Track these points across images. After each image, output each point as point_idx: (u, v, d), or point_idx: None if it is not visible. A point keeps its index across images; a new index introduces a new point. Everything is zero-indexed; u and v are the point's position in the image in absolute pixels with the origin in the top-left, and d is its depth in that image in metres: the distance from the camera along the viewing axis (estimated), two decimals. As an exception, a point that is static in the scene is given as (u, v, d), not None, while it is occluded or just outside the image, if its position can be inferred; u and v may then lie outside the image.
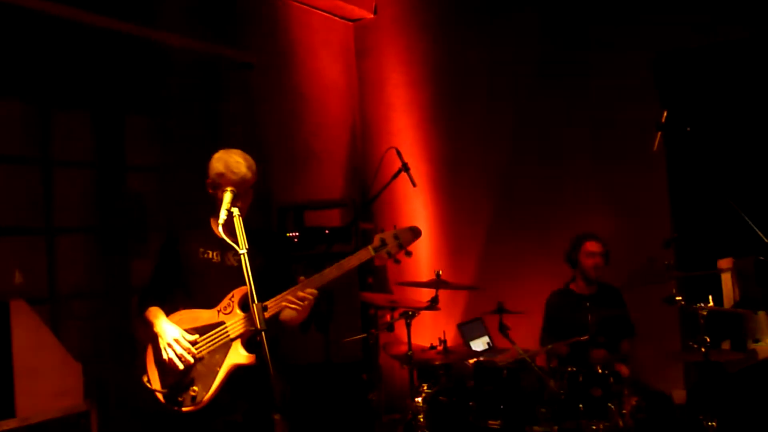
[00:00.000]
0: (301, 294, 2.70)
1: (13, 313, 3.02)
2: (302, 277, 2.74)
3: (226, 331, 2.72)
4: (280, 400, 2.58)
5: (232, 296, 2.74)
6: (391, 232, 2.81)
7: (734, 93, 4.52)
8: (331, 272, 2.75)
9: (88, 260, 4.20)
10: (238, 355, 2.68)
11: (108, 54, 4.18)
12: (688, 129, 3.63)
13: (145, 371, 2.82)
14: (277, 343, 2.81)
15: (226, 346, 2.71)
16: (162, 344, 2.74)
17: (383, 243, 2.78)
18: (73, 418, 3.22)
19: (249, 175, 2.77)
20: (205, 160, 2.82)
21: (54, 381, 3.19)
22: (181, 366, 2.70)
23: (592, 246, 4.33)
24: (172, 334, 2.73)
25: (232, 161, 2.75)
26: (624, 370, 4.06)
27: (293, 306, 2.69)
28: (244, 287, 2.67)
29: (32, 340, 3.09)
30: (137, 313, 2.91)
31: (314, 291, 2.72)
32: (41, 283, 3.94)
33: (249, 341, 2.70)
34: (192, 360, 2.71)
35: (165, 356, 2.71)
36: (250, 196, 2.81)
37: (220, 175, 2.74)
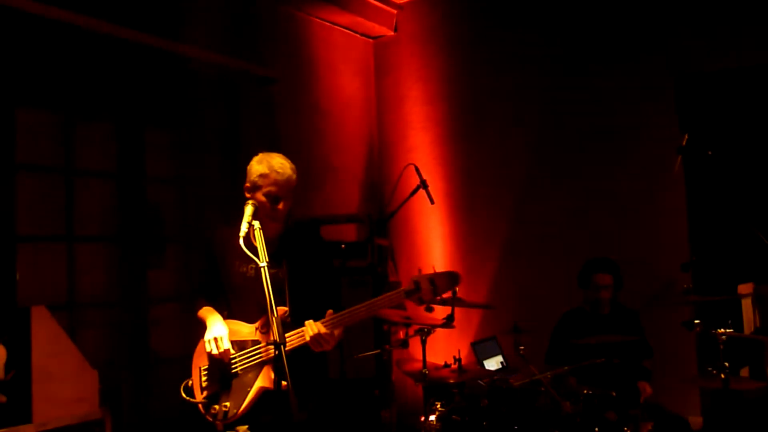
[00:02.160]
0: (323, 333, 2.62)
1: (34, 318, 3.04)
2: (331, 311, 2.66)
3: (260, 353, 2.70)
4: (298, 414, 2.56)
5: (272, 315, 2.71)
6: (427, 276, 2.64)
7: (756, 117, 4.50)
8: (359, 312, 2.66)
9: (107, 269, 4.23)
10: (268, 380, 2.65)
11: (132, 66, 4.24)
12: (710, 153, 3.62)
13: (189, 374, 2.83)
14: (324, 359, 2.81)
15: (259, 367, 2.69)
16: (207, 337, 2.74)
17: (417, 287, 2.63)
18: (89, 425, 3.23)
19: (294, 176, 2.76)
20: (225, 173, 2.84)
21: (71, 387, 3.20)
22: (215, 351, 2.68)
23: (601, 279, 4.28)
24: (218, 332, 2.72)
25: (275, 162, 2.75)
26: (647, 388, 4.00)
27: (318, 344, 2.62)
28: (283, 308, 2.65)
29: (51, 347, 3.11)
30: (194, 311, 2.93)
31: (339, 332, 2.64)
32: (61, 290, 3.98)
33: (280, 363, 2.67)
34: (226, 362, 2.71)
35: (207, 348, 2.72)
36: (290, 200, 2.77)
37: (264, 176, 2.71)
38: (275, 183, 2.70)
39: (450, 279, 2.67)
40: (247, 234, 2.60)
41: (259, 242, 2.56)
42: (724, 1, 4.62)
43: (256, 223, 2.62)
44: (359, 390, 4.72)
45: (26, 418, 2.95)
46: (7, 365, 2.91)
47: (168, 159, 4.66)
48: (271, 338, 2.43)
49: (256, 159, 2.79)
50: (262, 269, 2.48)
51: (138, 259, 4.32)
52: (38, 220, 3.90)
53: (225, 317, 2.84)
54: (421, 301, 2.66)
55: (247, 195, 2.78)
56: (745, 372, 4.10)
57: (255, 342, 2.72)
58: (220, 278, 2.84)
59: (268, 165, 2.74)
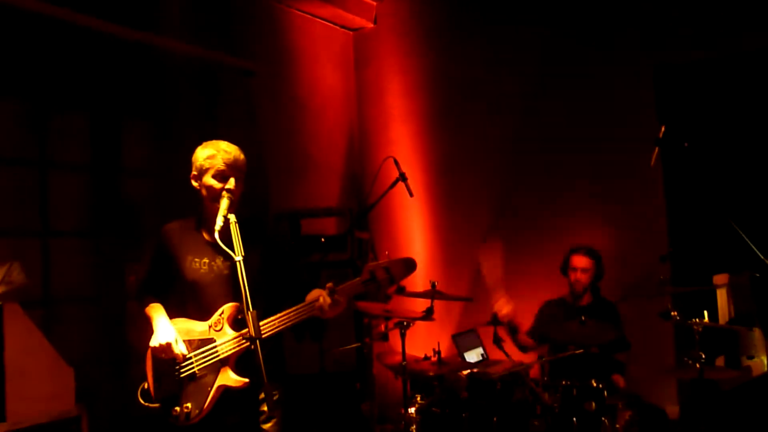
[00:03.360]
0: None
1: (6, 316, 3.00)
2: (330, 283, 2.60)
3: (216, 351, 2.63)
4: (273, 406, 2.53)
5: (222, 312, 2.65)
6: (382, 264, 2.58)
7: (733, 108, 4.53)
8: (341, 293, 2.59)
9: (83, 264, 4.18)
10: (228, 378, 2.60)
11: (107, 57, 4.17)
12: (686, 144, 3.64)
13: (145, 377, 2.77)
14: (280, 350, 2.78)
15: (216, 367, 2.62)
16: (153, 343, 2.68)
17: (372, 277, 2.58)
18: (64, 423, 3.20)
19: (241, 157, 2.67)
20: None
21: (46, 385, 3.16)
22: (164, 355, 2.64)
23: (576, 260, 4.33)
24: (165, 336, 2.67)
25: (221, 143, 2.70)
26: (621, 381, 4.05)
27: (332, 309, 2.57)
28: (234, 303, 2.62)
29: (25, 344, 3.07)
30: (137, 307, 2.85)
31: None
32: (35, 287, 3.92)
33: (241, 359, 2.62)
34: (179, 364, 2.67)
35: (159, 354, 2.67)
36: (241, 189, 2.69)
37: (211, 157, 2.64)
38: (224, 161, 2.64)
39: (405, 266, 2.62)
40: (224, 228, 2.56)
41: (235, 236, 2.52)
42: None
43: (232, 217, 2.58)
44: (339, 383, 4.72)
45: (0, 416, 2.91)
46: (-20, 363, 2.87)
47: (145, 151, 4.60)
48: (247, 333, 2.40)
49: (200, 147, 2.72)
50: (237, 263, 2.44)
51: (115, 254, 4.27)
52: (11, 213, 3.83)
53: (177, 314, 2.77)
54: (378, 290, 2.61)
55: (195, 184, 2.71)
56: (720, 361, 4.15)
57: (209, 340, 2.65)
58: (170, 274, 2.76)
59: (215, 146, 2.68)
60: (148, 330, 2.78)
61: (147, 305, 2.83)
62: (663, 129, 3.70)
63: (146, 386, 2.76)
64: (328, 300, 2.56)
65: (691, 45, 4.68)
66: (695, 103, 4.68)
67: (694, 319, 3.45)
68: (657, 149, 3.82)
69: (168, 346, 2.65)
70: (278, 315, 2.60)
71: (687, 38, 4.68)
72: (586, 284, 4.33)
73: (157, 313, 2.78)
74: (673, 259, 4.39)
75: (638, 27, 4.85)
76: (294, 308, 2.61)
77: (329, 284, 2.59)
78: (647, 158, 3.94)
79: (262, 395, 2.58)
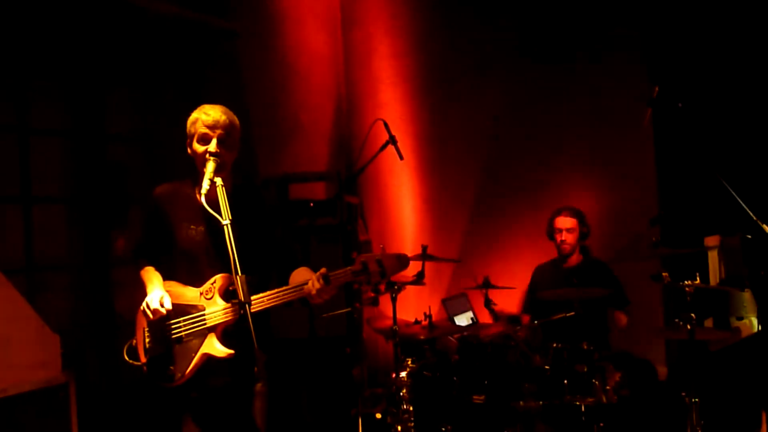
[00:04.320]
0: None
1: (-12, 283, 2.94)
2: (324, 269, 2.56)
3: (204, 320, 2.62)
4: (261, 370, 2.51)
5: (214, 281, 2.62)
6: (375, 256, 2.53)
7: (726, 68, 4.47)
8: (308, 288, 2.54)
9: (67, 231, 4.11)
10: (213, 348, 2.59)
11: (88, 19, 4.05)
12: (680, 105, 3.59)
13: (134, 335, 2.77)
14: (267, 317, 2.75)
15: (202, 334, 2.61)
16: (143, 304, 2.67)
17: (365, 268, 2.53)
18: (51, 390, 3.15)
19: (223, 117, 2.61)
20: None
21: (31, 353, 3.11)
22: (151, 316, 2.63)
23: (559, 221, 4.32)
24: (154, 296, 2.65)
25: (206, 106, 2.66)
26: (623, 318, 4.05)
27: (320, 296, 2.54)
28: (226, 274, 2.59)
29: (8, 311, 3.01)
30: (135, 270, 2.84)
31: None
32: (18, 254, 3.85)
33: (226, 330, 2.60)
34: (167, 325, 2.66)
35: (146, 314, 2.65)
36: (231, 154, 2.65)
37: (195, 120, 2.62)
38: (204, 124, 2.60)
39: (399, 261, 2.57)
40: (209, 191, 2.51)
41: (222, 199, 2.46)
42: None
43: (219, 180, 2.52)
44: (330, 348, 4.71)
45: (-15, 384, 2.87)
46: (-38, 331, 2.81)
47: (129, 116, 4.51)
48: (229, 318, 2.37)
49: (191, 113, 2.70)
50: (225, 227, 2.39)
51: (99, 220, 4.20)
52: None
53: (170, 278, 2.75)
54: (368, 282, 2.56)
55: (189, 152, 2.68)
56: (709, 322, 4.17)
57: (200, 307, 2.63)
58: (163, 238, 2.73)
59: (199, 110, 2.66)
60: (137, 295, 2.75)
61: (141, 268, 2.81)
62: (656, 89, 3.64)
63: (134, 343, 2.75)
64: (318, 285, 2.52)
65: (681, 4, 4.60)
66: (689, 63, 4.61)
67: (685, 281, 3.43)
68: (650, 110, 3.77)
69: (156, 311, 2.63)
70: (267, 293, 2.57)
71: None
72: (573, 244, 4.32)
73: (150, 276, 2.77)
74: (665, 220, 4.38)
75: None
76: (283, 289, 2.57)
77: (322, 270, 2.55)
78: (640, 119, 3.89)
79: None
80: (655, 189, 4.76)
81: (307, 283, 2.54)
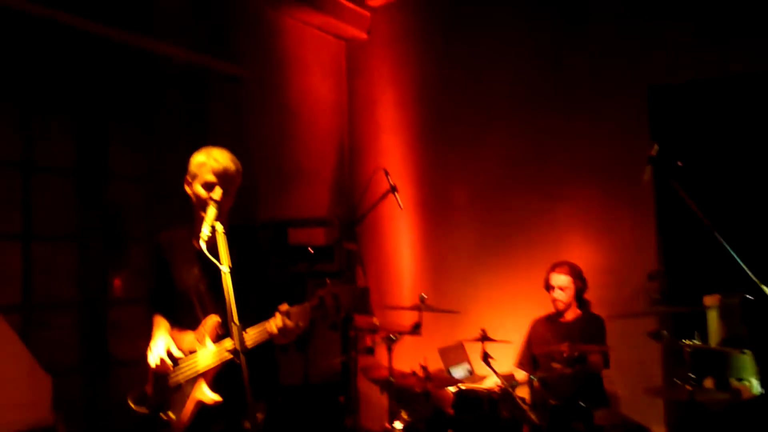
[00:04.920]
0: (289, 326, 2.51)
1: (-18, 321, 2.91)
2: (285, 304, 2.54)
3: (195, 364, 2.60)
4: (254, 419, 2.47)
5: (204, 325, 2.61)
6: (331, 290, 2.51)
7: (727, 128, 4.53)
8: (270, 328, 2.51)
9: (65, 269, 4.09)
10: (202, 393, 2.57)
11: (94, 59, 4.11)
12: (680, 163, 3.62)
13: (131, 389, 2.77)
14: (273, 363, 2.72)
15: (194, 380, 2.60)
16: (149, 351, 2.67)
17: (321, 303, 2.51)
18: (40, 431, 3.10)
19: (232, 167, 2.63)
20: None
21: (22, 392, 3.08)
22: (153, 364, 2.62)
23: (554, 279, 4.29)
24: (156, 343, 2.66)
25: (215, 151, 2.66)
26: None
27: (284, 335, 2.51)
28: (216, 318, 2.58)
29: (1, 350, 2.98)
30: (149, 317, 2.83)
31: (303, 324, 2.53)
32: (15, 291, 3.82)
33: (221, 375, 2.57)
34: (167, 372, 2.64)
35: (149, 362, 2.66)
36: (230, 201, 2.66)
37: (201, 164, 2.61)
38: (213, 171, 2.60)
39: (354, 294, 2.61)
40: (210, 237, 2.50)
41: (222, 246, 2.46)
42: (694, 15, 4.64)
43: (219, 226, 2.52)
44: (323, 396, 4.65)
45: (-28, 424, 2.82)
46: (-47, 369, 2.78)
47: (133, 156, 4.53)
48: (231, 346, 2.34)
49: (196, 153, 2.70)
50: (223, 275, 2.38)
51: (98, 259, 4.19)
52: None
53: (176, 324, 2.75)
54: (324, 318, 2.53)
55: (187, 190, 2.69)
56: (709, 383, 4.12)
57: (193, 353, 2.63)
58: (169, 284, 2.74)
59: (207, 153, 2.65)
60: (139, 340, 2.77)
61: (153, 316, 2.83)
62: (656, 147, 3.68)
63: (146, 391, 2.74)
64: (279, 324, 2.49)
65: (684, 65, 4.68)
66: (688, 123, 4.67)
67: (684, 340, 3.41)
68: (649, 167, 3.80)
69: (154, 353, 2.64)
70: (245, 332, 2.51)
71: (680, 59, 4.67)
72: (567, 302, 4.29)
73: (157, 323, 2.77)
74: (664, 276, 4.37)
75: (633, 45, 4.84)
76: (252, 328, 2.51)
77: (282, 306, 2.52)
78: (639, 176, 3.92)
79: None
80: (655, 245, 4.75)
81: (268, 322, 2.51)
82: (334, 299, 2.50)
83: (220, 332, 2.58)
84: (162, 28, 4.30)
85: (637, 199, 4.73)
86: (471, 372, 4.85)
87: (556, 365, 3.85)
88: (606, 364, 4.15)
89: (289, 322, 2.48)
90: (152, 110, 4.49)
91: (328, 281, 2.56)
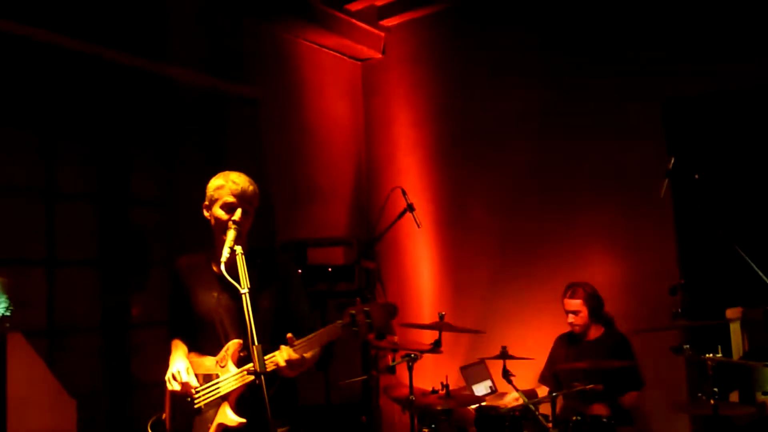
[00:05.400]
0: (294, 359, 2.51)
1: (9, 346, 2.97)
2: (291, 335, 2.54)
3: (218, 387, 2.61)
4: None
5: (227, 349, 2.63)
6: (362, 308, 2.51)
7: (744, 140, 4.50)
8: (303, 347, 2.53)
9: (88, 294, 4.15)
10: (226, 417, 2.56)
11: (114, 86, 4.20)
12: (696, 176, 3.61)
13: (154, 413, 2.78)
14: (293, 384, 2.73)
15: (217, 403, 2.60)
16: (167, 374, 2.68)
17: (353, 320, 2.50)
18: (65, 455, 3.14)
19: (250, 188, 2.66)
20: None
21: (47, 417, 3.12)
22: (176, 387, 2.62)
23: (568, 304, 4.26)
24: (175, 367, 2.66)
25: (233, 174, 2.70)
26: (602, 410, 3.92)
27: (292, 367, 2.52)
28: (238, 341, 2.59)
29: (27, 375, 3.03)
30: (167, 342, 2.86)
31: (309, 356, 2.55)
32: (40, 316, 3.89)
33: (244, 397, 2.58)
34: (188, 396, 2.64)
35: (168, 386, 2.66)
36: (249, 222, 2.69)
37: (220, 187, 2.65)
38: (232, 193, 2.64)
39: (386, 311, 2.55)
40: (229, 259, 2.54)
41: (241, 268, 2.48)
42: (709, 28, 4.64)
43: (239, 248, 2.55)
44: (345, 416, 4.64)
45: (0, 448, 2.86)
46: (-19, 394, 2.83)
47: (153, 181, 4.60)
48: (252, 367, 2.36)
49: (213, 177, 2.74)
50: (243, 296, 2.41)
51: (120, 284, 4.25)
52: (17, 243, 3.82)
53: (194, 349, 2.77)
54: (356, 336, 2.52)
55: (206, 214, 2.72)
56: (734, 397, 4.06)
57: (214, 376, 2.63)
58: (188, 309, 2.76)
59: (225, 177, 2.69)
60: (155, 361, 2.79)
61: (172, 340, 2.85)
62: (672, 160, 3.67)
63: (163, 417, 2.75)
64: (284, 356, 2.49)
65: (700, 78, 4.66)
66: (706, 135, 4.64)
67: (707, 354, 3.37)
68: (667, 180, 3.79)
69: (178, 374, 2.64)
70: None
71: (697, 71, 4.66)
72: (583, 324, 4.26)
73: (175, 347, 2.79)
74: (685, 291, 4.33)
75: (647, 59, 4.84)
76: (266, 357, 2.49)
77: (289, 335, 2.52)
78: (657, 190, 3.90)
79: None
80: (675, 259, 4.72)
81: (274, 357, 2.49)
82: (366, 317, 2.50)
83: (242, 355, 2.59)
84: (180, 54, 4.39)
85: (656, 212, 4.71)
86: (493, 389, 4.82)
87: (577, 383, 3.82)
88: (638, 384, 4.10)
89: (294, 355, 2.50)
90: (172, 135, 4.56)
91: (358, 300, 2.58)
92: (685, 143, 4.62)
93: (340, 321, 2.53)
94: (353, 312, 2.52)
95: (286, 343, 2.55)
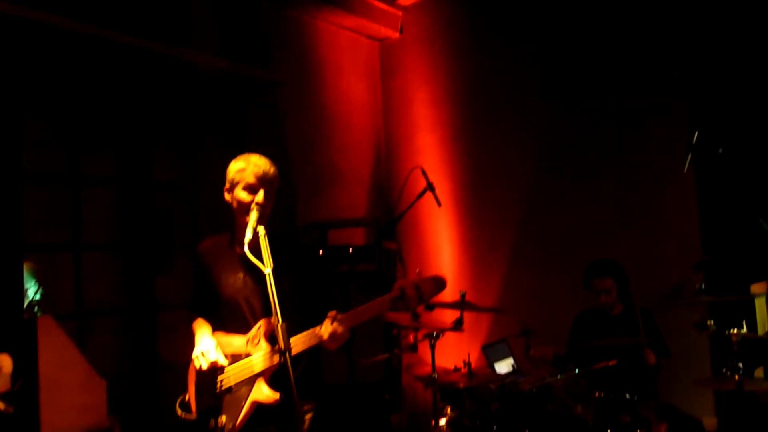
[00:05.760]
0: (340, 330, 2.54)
1: (40, 328, 3.04)
2: (332, 312, 2.58)
3: (251, 365, 2.64)
4: (302, 419, 2.51)
5: (259, 327, 2.66)
6: (412, 281, 2.54)
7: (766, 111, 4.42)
8: (349, 319, 2.56)
9: (114, 277, 4.23)
10: (261, 393, 2.60)
11: (138, 72, 4.24)
12: (720, 150, 3.56)
13: (186, 389, 2.79)
14: (318, 363, 2.77)
15: (251, 381, 2.63)
16: (193, 354, 2.71)
17: (402, 294, 2.53)
18: (97, 433, 3.22)
19: (272, 170, 2.68)
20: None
21: (79, 397, 3.19)
22: (205, 366, 2.64)
23: (599, 284, 4.24)
24: (203, 346, 2.70)
25: (253, 157, 2.71)
26: (651, 357, 3.91)
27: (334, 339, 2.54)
28: (271, 318, 2.60)
29: (58, 356, 3.10)
30: (188, 323, 2.89)
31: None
32: (68, 299, 3.97)
33: (275, 375, 2.60)
34: (218, 375, 2.68)
35: (196, 364, 2.69)
36: (271, 203, 2.71)
37: (242, 170, 2.66)
38: (254, 174, 2.66)
39: (435, 284, 2.57)
40: (252, 240, 2.56)
41: (264, 248, 2.51)
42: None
43: (261, 229, 2.58)
44: (368, 394, 4.70)
45: (34, 428, 2.95)
46: (14, 375, 2.90)
47: (175, 165, 4.65)
48: (277, 346, 2.39)
49: (233, 160, 2.75)
50: (267, 276, 2.43)
51: (145, 267, 4.32)
52: (44, 229, 3.90)
53: (219, 329, 2.79)
54: (407, 308, 2.56)
55: (227, 197, 2.74)
56: (759, 373, 4.03)
57: (247, 354, 2.67)
58: (212, 290, 2.79)
59: (246, 159, 2.71)
60: (188, 344, 2.80)
61: (193, 321, 2.88)
62: (696, 134, 3.62)
63: (187, 398, 2.77)
64: (329, 329, 2.53)
65: (723, 49, 4.57)
66: (729, 108, 4.57)
67: (731, 330, 3.35)
68: (690, 155, 3.74)
69: (207, 353, 2.67)
70: (295, 337, 2.57)
71: (719, 43, 4.58)
72: (613, 301, 4.25)
73: (199, 327, 2.82)
74: (709, 267, 4.29)
75: (668, 29, 4.76)
76: (302, 334, 2.56)
77: (331, 312, 2.56)
78: (679, 164, 3.87)
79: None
80: (698, 234, 4.67)
81: (318, 327, 2.54)
82: (416, 290, 2.53)
83: (274, 333, 2.62)
84: (200, 39, 4.41)
85: (678, 187, 4.66)
86: (515, 367, 4.85)
87: (602, 359, 3.82)
88: (666, 353, 4.10)
89: (339, 327, 2.53)
90: (193, 120, 4.60)
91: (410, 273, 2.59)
92: (708, 116, 4.55)
93: (389, 294, 2.56)
94: (403, 285, 2.55)
95: (312, 322, 2.59)
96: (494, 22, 5.55)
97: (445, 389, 4.12)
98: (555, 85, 5.19)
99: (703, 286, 4.09)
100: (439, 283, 2.59)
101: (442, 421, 3.91)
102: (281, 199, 2.85)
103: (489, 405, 3.95)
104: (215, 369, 2.69)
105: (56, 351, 3.09)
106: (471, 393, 4.06)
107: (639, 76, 4.87)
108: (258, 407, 2.61)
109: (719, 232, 4.58)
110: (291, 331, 2.45)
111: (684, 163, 3.87)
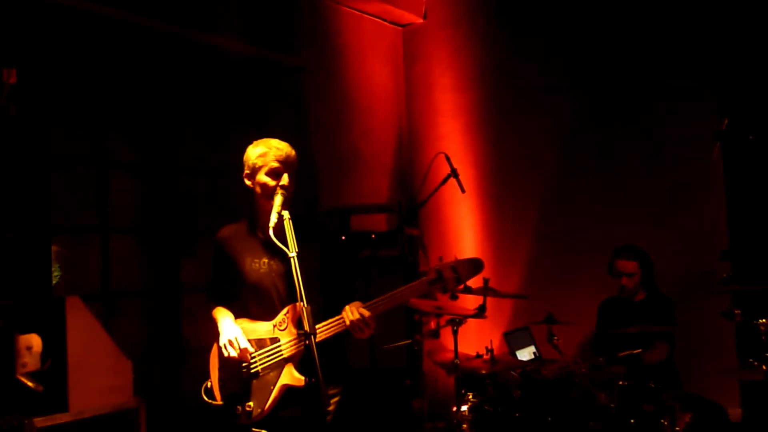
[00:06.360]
0: (367, 316, 2.55)
1: (68, 309, 3.08)
2: (358, 303, 2.59)
3: (280, 350, 2.65)
4: (328, 407, 2.52)
5: (287, 312, 2.66)
6: (449, 264, 2.56)
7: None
8: (382, 304, 2.58)
9: (140, 259, 4.28)
10: (291, 377, 2.61)
11: (163, 57, 4.26)
12: (751, 137, 3.50)
13: (208, 376, 2.80)
14: (342, 347, 2.77)
15: (280, 365, 2.64)
16: (220, 342, 2.71)
17: (440, 276, 2.56)
18: (123, 414, 3.25)
19: (293, 153, 2.68)
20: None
21: (105, 377, 3.23)
22: (235, 354, 2.65)
23: (623, 266, 4.20)
24: (231, 334, 2.69)
25: (273, 141, 2.71)
26: (654, 355, 3.89)
27: (359, 329, 2.56)
28: (296, 303, 2.59)
29: (86, 337, 3.14)
30: (207, 311, 2.90)
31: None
32: (95, 281, 4.03)
33: (304, 359, 2.59)
34: (245, 362, 2.69)
35: (225, 353, 2.69)
36: (293, 185, 2.69)
37: (264, 155, 2.65)
38: (276, 158, 2.65)
39: (473, 266, 2.59)
40: (277, 224, 2.57)
41: (289, 232, 2.51)
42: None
43: (286, 213, 2.58)
44: (390, 380, 4.71)
45: (63, 406, 2.99)
46: (43, 355, 2.95)
47: (201, 150, 4.68)
48: (301, 329, 2.40)
49: (250, 146, 2.74)
50: (291, 260, 2.44)
51: (170, 250, 4.36)
52: (72, 212, 3.95)
53: (242, 316, 2.79)
54: (444, 290, 2.59)
55: (248, 183, 2.72)
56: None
57: (274, 340, 2.67)
58: (232, 277, 2.78)
59: (266, 144, 2.70)
60: (211, 331, 2.81)
61: (213, 308, 2.88)
62: (726, 121, 3.56)
63: (209, 385, 2.78)
64: (352, 316, 2.54)
65: (751, 38, 4.49)
66: (758, 93, 4.49)
67: (759, 319, 3.31)
68: (719, 143, 3.69)
69: (235, 341, 2.67)
70: (320, 324, 2.58)
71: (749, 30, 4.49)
72: (634, 287, 4.21)
73: (222, 315, 2.81)
74: (735, 255, 4.24)
75: (699, 17, 4.68)
76: (328, 322, 2.58)
77: (356, 303, 2.57)
78: (707, 152, 3.81)
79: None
80: (724, 223, 4.61)
81: (344, 313, 2.55)
82: (453, 272, 2.55)
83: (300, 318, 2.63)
84: (224, 24, 4.42)
85: (706, 175, 4.60)
86: (536, 355, 4.83)
87: (626, 346, 3.80)
88: (671, 344, 4.07)
89: (366, 312, 2.54)
90: (218, 105, 4.62)
91: (432, 259, 2.61)
92: (738, 103, 4.47)
93: (426, 278, 2.57)
94: (440, 268, 2.56)
95: (334, 308, 2.59)
96: (520, 6, 5.49)
97: (467, 376, 4.12)
98: (582, 70, 5.14)
99: (730, 274, 4.04)
100: (477, 265, 2.61)
101: (464, 408, 3.91)
102: (304, 183, 2.85)
103: (511, 392, 3.95)
104: (245, 356, 2.68)
105: (84, 331, 3.12)
106: (493, 379, 4.06)
107: (668, 61, 4.81)
108: (290, 390, 2.62)
109: (747, 220, 4.52)
110: (314, 315, 2.46)
111: (712, 150, 3.81)
